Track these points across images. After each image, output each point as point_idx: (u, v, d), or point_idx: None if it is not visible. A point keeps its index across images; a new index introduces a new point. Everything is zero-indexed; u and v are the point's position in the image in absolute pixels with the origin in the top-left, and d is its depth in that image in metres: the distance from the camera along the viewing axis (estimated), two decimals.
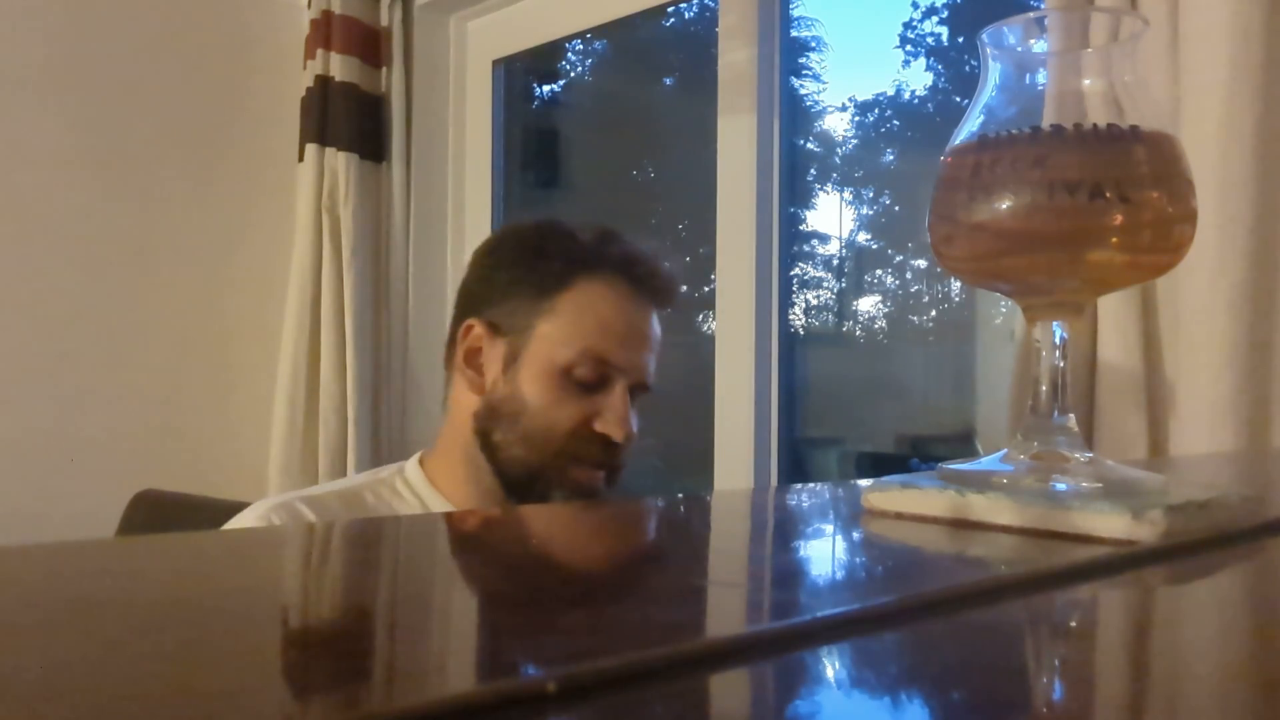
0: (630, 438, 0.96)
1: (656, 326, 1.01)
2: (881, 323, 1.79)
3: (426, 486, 0.99)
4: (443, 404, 1.04)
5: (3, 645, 0.20)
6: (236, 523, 0.92)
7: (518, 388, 0.95)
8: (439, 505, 0.98)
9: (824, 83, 1.74)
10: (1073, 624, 0.26)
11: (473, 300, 1.01)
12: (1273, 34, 0.92)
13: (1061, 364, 0.41)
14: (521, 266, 0.98)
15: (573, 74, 2.23)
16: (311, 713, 0.17)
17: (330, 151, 1.86)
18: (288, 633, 0.22)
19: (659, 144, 2.12)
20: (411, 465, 1.02)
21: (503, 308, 0.97)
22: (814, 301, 1.82)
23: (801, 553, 0.36)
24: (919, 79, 1.77)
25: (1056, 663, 0.23)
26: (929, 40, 1.67)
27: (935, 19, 1.66)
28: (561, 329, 0.95)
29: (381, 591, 0.27)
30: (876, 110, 1.77)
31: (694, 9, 1.89)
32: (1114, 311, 1.01)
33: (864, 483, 0.42)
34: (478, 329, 0.98)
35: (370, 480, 1.01)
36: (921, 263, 1.69)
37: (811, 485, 0.91)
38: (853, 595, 0.28)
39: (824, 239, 1.77)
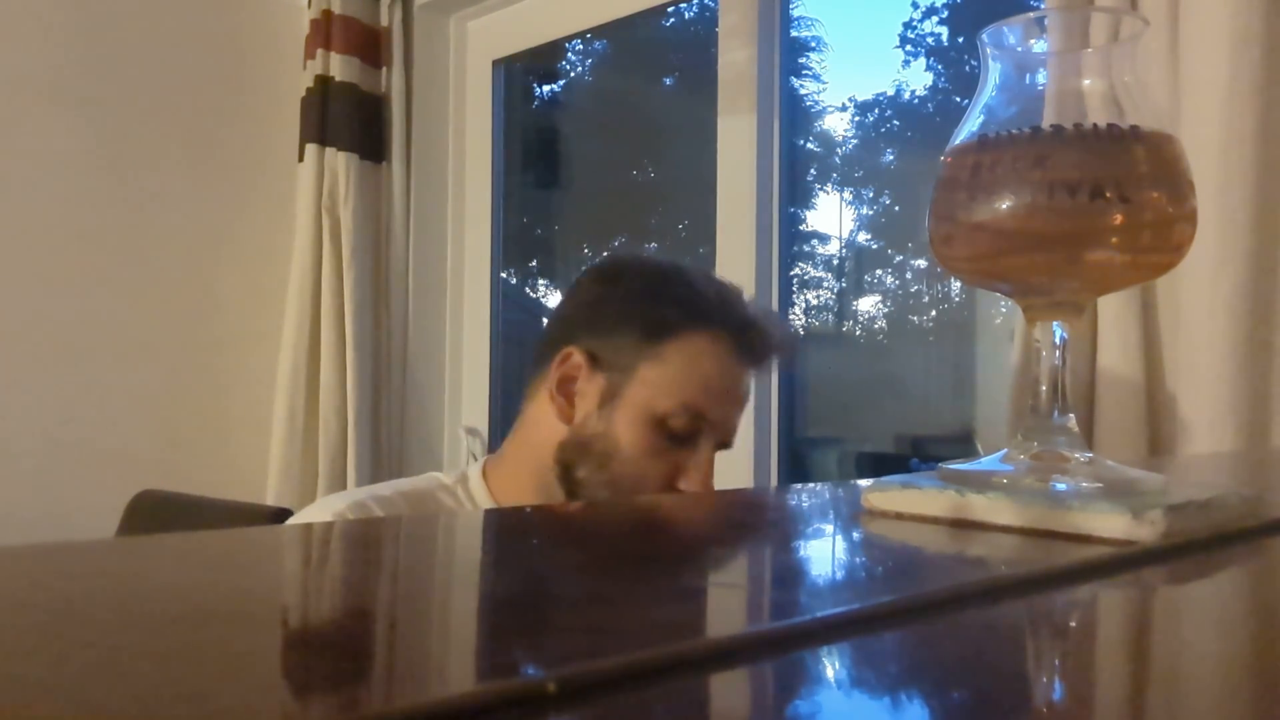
0: (710, 494, 0.95)
1: (751, 388, 1.00)
2: (881, 323, 1.79)
3: (487, 498, 0.97)
4: (519, 415, 1.02)
5: (2, 645, 0.20)
6: (304, 517, 0.92)
7: (612, 427, 0.93)
8: None
9: (824, 83, 1.74)
10: (1073, 624, 0.26)
11: (575, 326, 0.98)
12: (1273, 35, 0.92)
13: (1061, 364, 0.41)
14: (636, 305, 0.95)
15: (573, 74, 2.23)
16: (311, 713, 0.17)
17: (330, 151, 1.86)
18: (288, 633, 0.22)
19: (659, 144, 2.12)
20: (475, 474, 1.00)
21: (608, 342, 0.95)
22: (814, 301, 1.82)
23: (801, 553, 0.36)
24: (919, 79, 1.77)
25: (1056, 663, 0.23)
26: (929, 40, 1.68)
27: (935, 19, 1.67)
28: (665, 377, 0.93)
29: (381, 591, 0.27)
30: (876, 110, 1.77)
31: (694, 9, 1.90)
32: (1114, 311, 1.01)
33: (864, 483, 0.42)
34: (577, 357, 0.95)
35: (433, 485, 0.98)
36: (921, 263, 1.69)
37: (811, 485, 0.91)
38: (853, 595, 0.28)
39: (824, 239, 1.78)
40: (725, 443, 0.97)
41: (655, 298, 0.96)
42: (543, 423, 0.97)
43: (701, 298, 0.96)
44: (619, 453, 0.92)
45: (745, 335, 0.96)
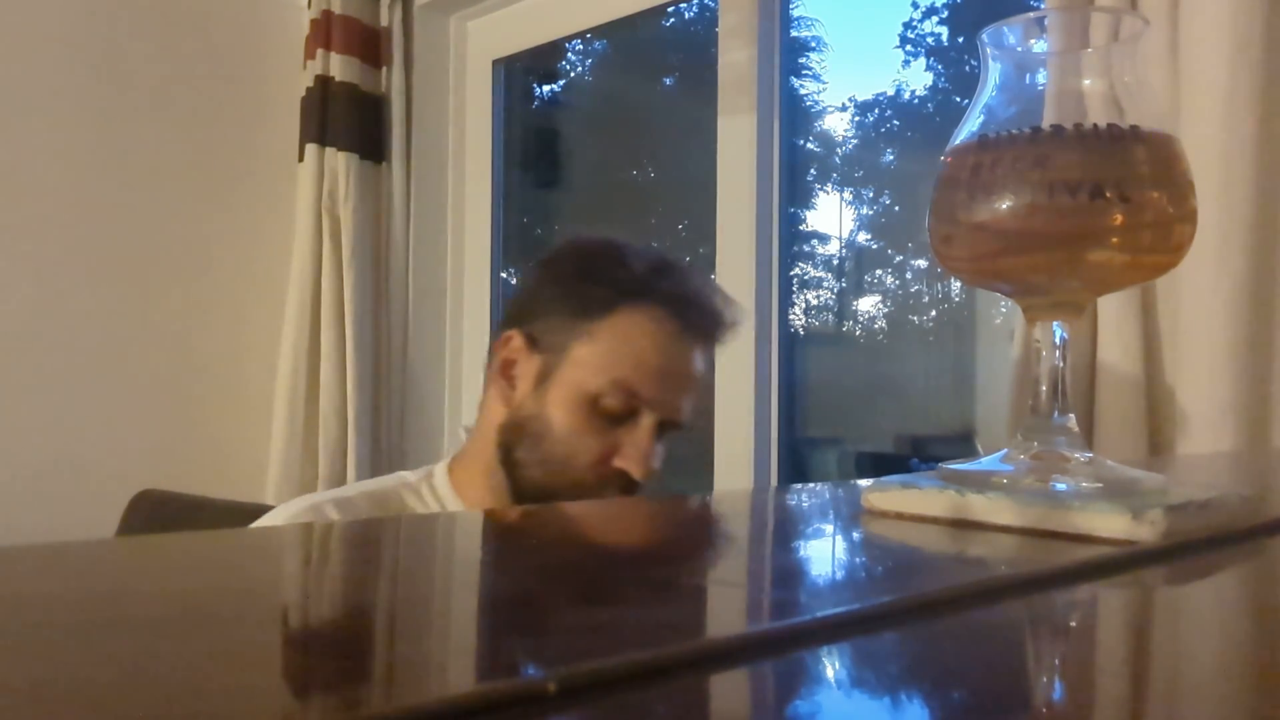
0: (651, 476, 0.94)
1: (700, 364, 0.98)
2: (881, 323, 1.79)
3: (452, 495, 0.98)
4: (479, 408, 1.03)
5: (2, 646, 0.20)
6: (264, 523, 0.92)
7: (544, 408, 0.93)
8: None
9: (824, 83, 1.74)
10: (1073, 624, 0.26)
11: (517, 311, 1.00)
12: (1273, 35, 0.92)
13: (1061, 364, 0.41)
14: (568, 285, 0.96)
15: (573, 74, 2.23)
16: (311, 713, 0.17)
17: (330, 151, 1.86)
18: (288, 633, 0.22)
19: (659, 144, 2.12)
20: (440, 471, 1.01)
21: (543, 323, 0.96)
22: (814, 301, 1.82)
23: (801, 553, 0.36)
24: (919, 79, 1.77)
25: (1056, 663, 0.23)
26: (929, 40, 1.68)
27: (935, 19, 1.67)
28: (597, 355, 0.93)
29: (381, 591, 0.27)
30: (876, 110, 1.77)
31: (694, 9, 1.90)
32: (1114, 312, 1.01)
33: (864, 483, 0.42)
34: (516, 340, 0.97)
35: (397, 485, 0.99)
36: (921, 263, 1.69)
37: (811, 485, 0.91)
38: (853, 595, 0.28)
39: (824, 239, 1.78)
40: (673, 422, 0.95)
41: (587, 277, 0.96)
42: (491, 409, 0.98)
43: (633, 274, 0.95)
44: (551, 433, 0.92)
45: (681, 309, 0.95)
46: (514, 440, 0.95)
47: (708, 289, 0.99)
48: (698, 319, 0.96)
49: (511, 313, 1.01)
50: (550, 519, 0.44)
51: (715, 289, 1.00)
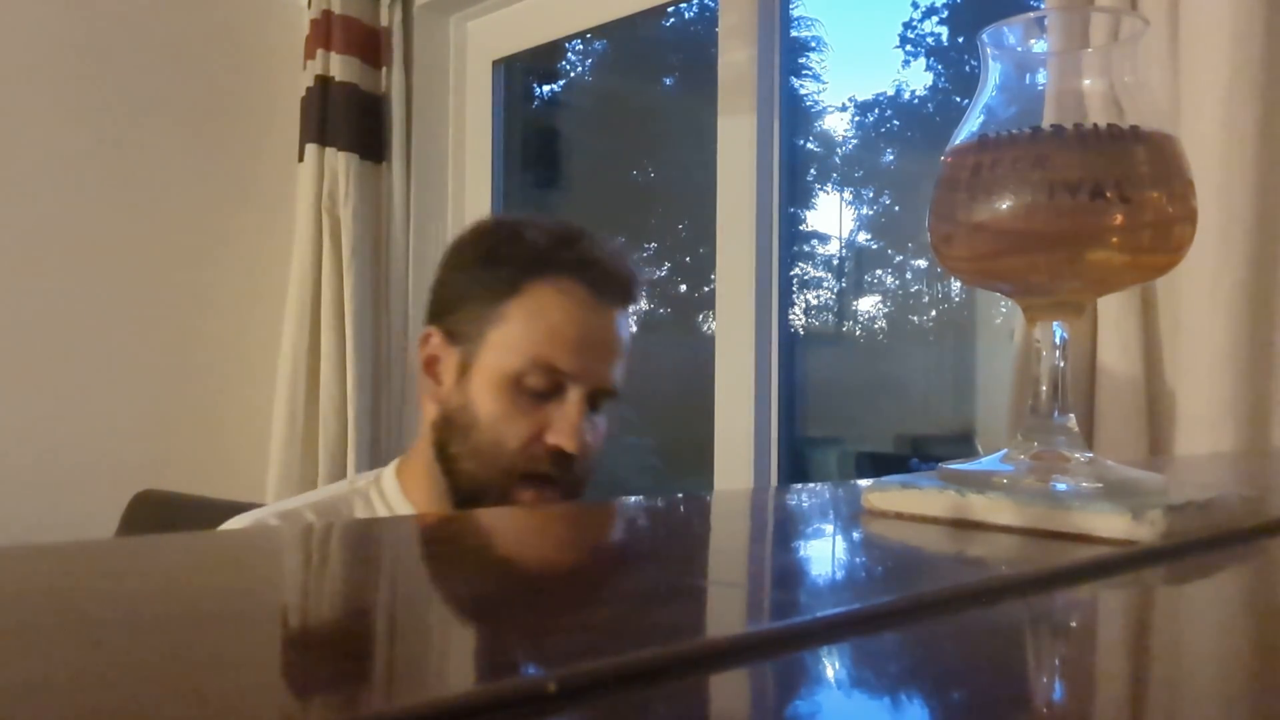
0: (587, 449, 0.93)
1: (621, 328, 0.97)
2: (881, 323, 1.79)
3: (400, 498, 0.97)
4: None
5: (3, 646, 0.20)
6: None
7: (469, 398, 0.93)
8: None
9: (824, 83, 1.74)
10: (1073, 624, 0.26)
11: (433, 306, 0.99)
12: (1273, 34, 0.92)
13: (1061, 364, 0.41)
14: (474, 271, 0.95)
15: (573, 74, 2.23)
16: (311, 713, 0.17)
17: (330, 151, 1.86)
18: (288, 633, 0.22)
19: (659, 144, 2.12)
20: (388, 475, 1.00)
21: (457, 315, 0.95)
22: (814, 301, 1.82)
23: (801, 553, 0.36)
24: (919, 79, 1.77)
25: (1056, 663, 0.23)
26: (929, 40, 1.67)
27: (935, 19, 1.67)
28: (511, 337, 0.92)
29: (381, 591, 0.27)
30: (876, 110, 1.77)
31: (694, 9, 1.90)
32: (1114, 312, 1.01)
33: (864, 483, 0.42)
34: (435, 337, 0.97)
35: (346, 491, 0.99)
36: (921, 263, 1.69)
37: (811, 485, 0.91)
38: (853, 595, 0.28)
39: (824, 239, 1.78)
40: (603, 391, 0.94)
41: (489, 261, 0.95)
42: (425, 409, 0.99)
43: (533, 249, 0.94)
44: (478, 422, 0.92)
45: (588, 276, 0.93)
46: (447, 436, 0.94)
47: (611, 251, 0.98)
48: (605, 283, 0.95)
49: (429, 310, 1.00)
50: (550, 520, 0.44)
51: (618, 250, 0.99)
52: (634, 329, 1.01)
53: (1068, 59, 0.43)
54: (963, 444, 1.55)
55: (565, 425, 0.91)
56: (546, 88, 2.23)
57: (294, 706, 0.17)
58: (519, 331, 0.92)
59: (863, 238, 1.82)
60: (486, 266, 0.95)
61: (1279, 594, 0.31)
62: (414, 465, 0.99)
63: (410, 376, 1.96)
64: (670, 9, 1.86)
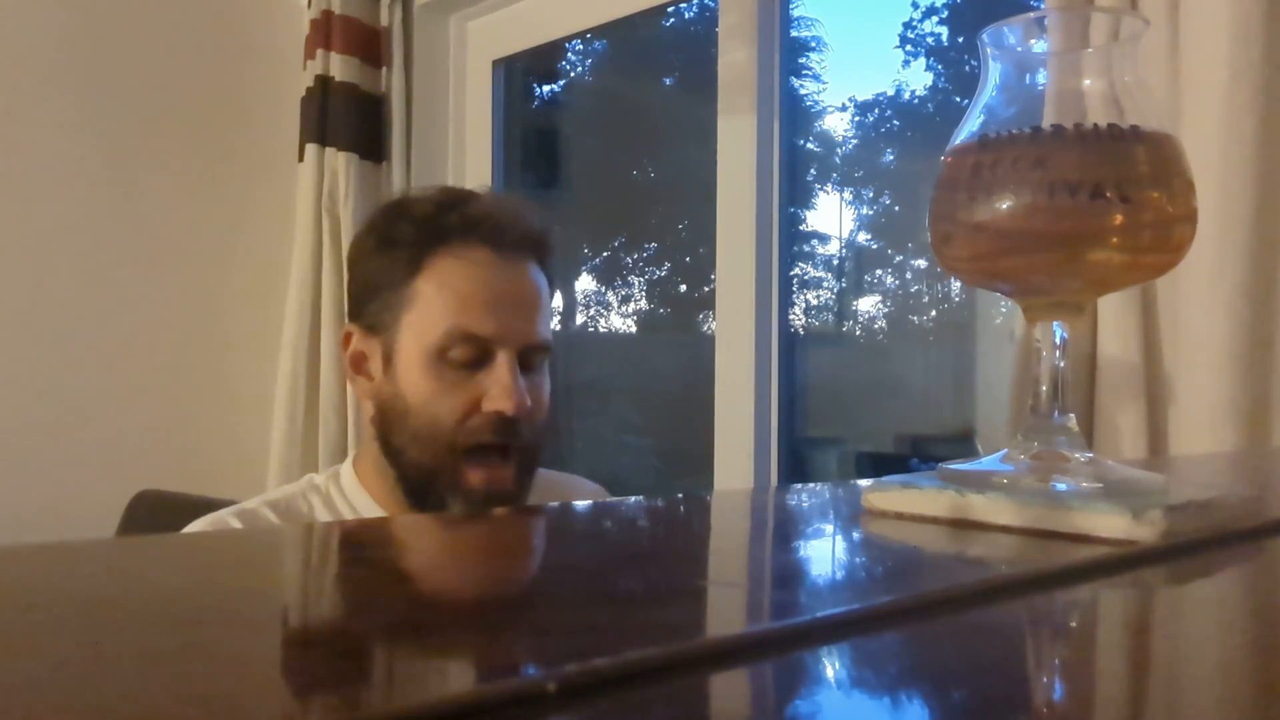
0: (526, 409, 0.89)
1: (533, 278, 0.94)
2: (881, 323, 1.79)
3: (359, 491, 0.96)
4: None
5: (3, 646, 0.20)
6: None
7: (398, 386, 0.91)
8: (371, 513, 0.95)
9: (824, 83, 1.74)
10: (1073, 624, 0.26)
11: (350, 304, 0.98)
12: (1273, 34, 0.92)
13: (1061, 364, 0.41)
14: (376, 259, 0.94)
15: (573, 74, 2.23)
16: (311, 713, 0.17)
17: (330, 151, 1.86)
18: (287, 633, 0.22)
19: (659, 144, 2.12)
20: (346, 468, 0.99)
21: (371, 306, 0.94)
22: (814, 301, 1.82)
23: (801, 553, 0.36)
24: (919, 79, 1.77)
25: (1056, 663, 0.23)
26: (929, 40, 1.68)
27: (935, 19, 1.67)
28: (424, 314, 0.90)
29: (381, 592, 0.27)
30: (876, 110, 1.77)
31: (694, 9, 1.90)
32: (1114, 311, 1.01)
33: (864, 483, 0.42)
34: (355, 334, 0.96)
35: (307, 486, 0.98)
36: (921, 263, 1.69)
37: (811, 485, 0.90)
38: (853, 595, 0.28)
39: (824, 239, 1.78)
40: (532, 347, 0.92)
41: (385, 246, 0.93)
42: (364, 408, 0.98)
43: (423, 222, 0.92)
44: (410, 406, 0.90)
45: (483, 234, 0.91)
46: (386, 429, 0.93)
47: (505, 206, 0.95)
48: (503, 237, 0.92)
49: (347, 309, 1.00)
50: (550, 520, 0.44)
51: (513, 204, 0.97)
52: (551, 282, 0.96)
53: (1068, 59, 0.43)
54: (963, 444, 1.55)
55: (499, 389, 0.88)
56: (546, 88, 2.23)
57: (294, 706, 0.17)
58: (429, 308, 0.90)
59: (863, 238, 1.82)
60: (384, 251, 0.93)
61: (1279, 594, 0.31)
62: (365, 461, 0.98)
63: None
64: (670, 9, 1.86)
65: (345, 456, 1.81)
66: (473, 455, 0.89)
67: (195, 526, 0.91)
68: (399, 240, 0.92)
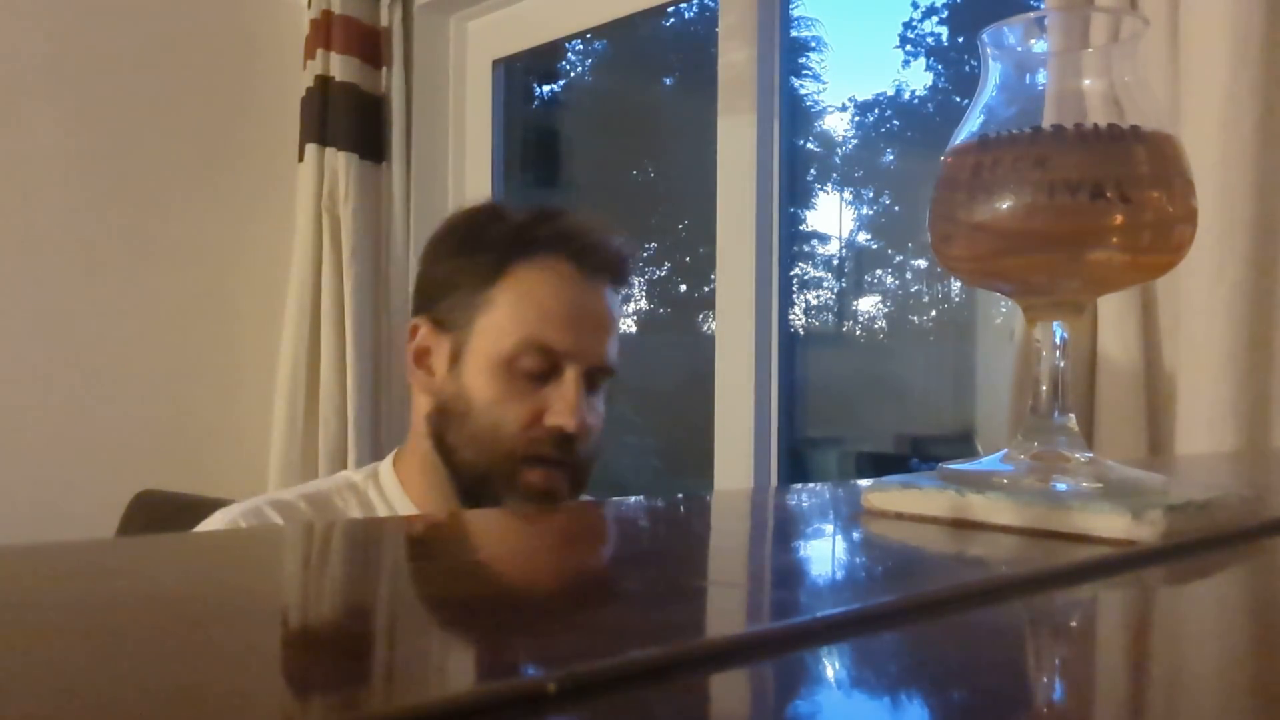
0: (588, 428, 0.91)
1: (611, 303, 0.95)
2: (881, 323, 1.79)
3: (398, 490, 0.96)
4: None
5: (3, 645, 0.20)
6: (206, 526, 0.90)
7: (463, 386, 0.91)
8: (408, 511, 0.95)
9: (824, 83, 1.74)
10: (1073, 624, 0.26)
11: (419, 299, 0.99)
12: (1273, 34, 0.92)
13: (1061, 364, 0.41)
14: (458, 259, 0.95)
15: (573, 74, 2.23)
16: (311, 713, 0.17)
17: (330, 151, 1.86)
18: (288, 633, 0.22)
19: (659, 144, 2.12)
20: (385, 467, 0.99)
21: (445, 304, 0.94)
22: (814, 301, 1.82)
23: (801, 553, 0.36)
24: (919, 79, 1.77)
25: (1056, 663, 0.23)
26: (929, 40, 1.68)
27: (935, 19, 1.67)
28: (501, 320, 0.91)
29: (381, 591, 0.27)
30: (876, 110, 1.77)
31: (694, 9, 1.89)
32: (1114, 311, 1.01)
33: (864, 483, 0.42)
34: (423, 328, 0.96)
35: (343, 483, 0.98)
36: (921, 263, 1.69)
37: (811, 485, 0.90)
38: (853, 595, 0.28)
39: (824, 239, 1.78)
40: (598, 368, 0.93)
41: (473, 244, 0.94)
42: (418, 402, 0.97)
43: (513, 230, 0.93)
44: (474, 408, 0.91)
45: (572, 252, 0.93)
46: (442, 426, 0.93)
47: (594, 226, 0.97)
48: (590, 257, 0.94)
49: (415, 303, 1.00)
50: (550, 520, 0.44)
51: (601, 224, 0.98)
52: (624, 310, 0.99)
53: (1068, 59, 0.43)
54: (963, 444, 1.55)
55: (563, 405, 0.89)
56: (546, 88, 2.23)
57: (294, 706, 0.17)
58: (508, 314, 0.91)
59: (863, 238, 1.82)
60: (470, 252, 0.94)
61: (1279, 594, 0.31)
62: (410, 460, 0.98)
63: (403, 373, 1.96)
64: (670, 9, 1.86)
65: (345, 456, 1.83)
66: (529, 461, 0.90)
67: (226, 514, 0.91)
68: (485, 243, 0.93)
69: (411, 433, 0.99)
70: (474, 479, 0.92)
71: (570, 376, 0.90)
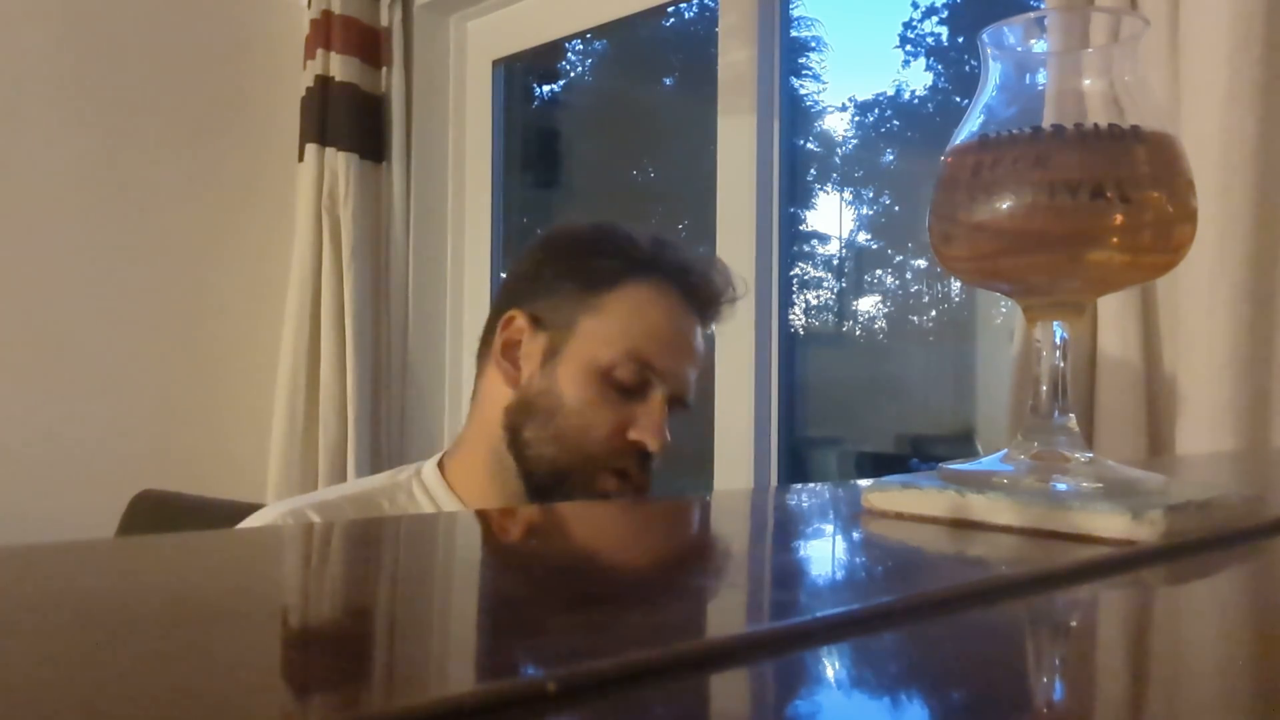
0: (663, 450, 0.94)
1: (702, 341, 0.98)
2: (881, 323, 1.79)
3: (444, 490, 0.96)
4: (471, 399, 1.02)
5: (3, 646, 0.20)
6: (247, 526, 0.91)
7: (555, 383, 0.92)
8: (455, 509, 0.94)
9: (824, 83, 1.74)
10: (1073, 624, 0.26)
11: (517, 292, 0.99)
12: (1273, 35, 0.92)
13: (1061, 364, 0.41)
14: (572, 262, 0.96)
15: (573, 74, 2.23)
16: (311, 713, 0.17)
17: (330, 151, 1.86)
18: (288, 633, 0.22)
19: (659, 144, 2.12)
20: (429, 468, 0.99)
21: (548, 301, 0.95)
22: (814, 301, 1.82)
23: (801, 553, 0.36)
24: (919, 79, 1.77)
25: (1056, 662, 0.23)
26: (929, 40, 1.67)
27: (935, 19, 1.67)
28: (606, 327, 0.92)
29: (381, 591, 0.27)
30: (876, 110, 1.77)
31: (694, 9, 1.89)
32: (1114, 311, 1.01)
33: (864, 483, 0.42)
34: (520, 320, 0.96)
35: (386, 484, 0.98)
36: (921, 263, 1.69)
37: (811, 485, 0.91)
38: (853, 595, 0.28)
39: (824, 239, 1.78)
40: (680, 398, 0.95)
41: (591, 252, 0.96)
42: (493, 393, 0.97)
43: (637, 248, 0.95)
44: (563, 407, 0.91)
45: (685, 281, 0.96)
46: (522, 420, 0.93)
47: (709, 265, 1.00)
48: (702, 293, 0.97)
49: (509, 296, 1.00)
50: (550, 520, 0.44)
51: (715, 264, 1.01)
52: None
53: (1068, 59, 0.43)
54: (963, 444, 1.55)
55: (649, 423, 0.92)
56: (546, 88, 2.23)
57: (294, 706, 0.17)
58: (616, 323, 0.93)
59: (863, 238, 1.82)
60: (589, 257, 0.95)
61: (1279, 594, 0.31)
62: (467, 454, 0.98)
63: (412, 376, 1.96)
64: (670, 9, 1.86)
65: (345, 456, 1.83)
66: (607, 471, 0.92)
67: (268, 514, 0.91)
68: (609, 252, 0.95)
69: (471, 426, 0.99)
70: (551, 475, 0.92)
71: (658, 397, 0.93)
